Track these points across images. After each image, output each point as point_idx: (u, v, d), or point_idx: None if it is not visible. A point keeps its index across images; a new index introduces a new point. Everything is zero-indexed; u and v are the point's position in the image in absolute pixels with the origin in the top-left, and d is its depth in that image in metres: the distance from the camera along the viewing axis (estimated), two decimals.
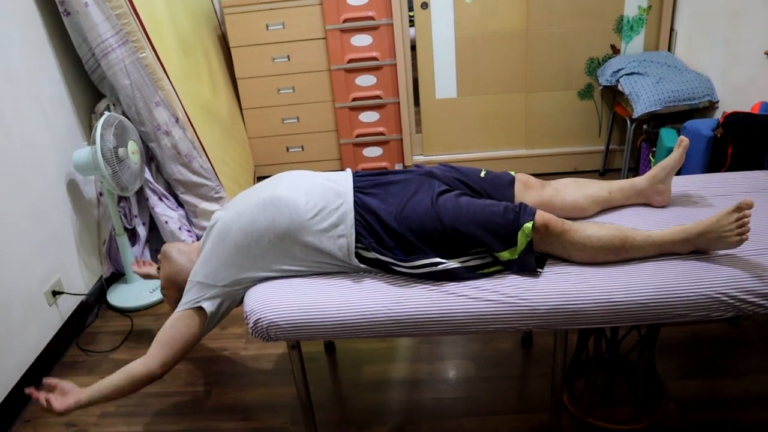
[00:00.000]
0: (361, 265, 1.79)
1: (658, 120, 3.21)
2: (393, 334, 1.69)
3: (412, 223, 1.74)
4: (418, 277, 1.75)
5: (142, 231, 3.06)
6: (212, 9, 3.81)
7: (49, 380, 1.77)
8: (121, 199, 2.97)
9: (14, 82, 2.46)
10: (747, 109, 2.67)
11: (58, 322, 2.61)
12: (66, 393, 1.76)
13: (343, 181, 1.87)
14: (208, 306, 1.83)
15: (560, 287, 1.65)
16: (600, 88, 3.57)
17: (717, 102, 3.06)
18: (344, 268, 1.82)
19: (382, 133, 3.83)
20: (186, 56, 3.17)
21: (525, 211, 1.71)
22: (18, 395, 2.30)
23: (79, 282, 2.80)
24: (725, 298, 1.59)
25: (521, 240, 1.69)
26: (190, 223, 3.12)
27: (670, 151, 2.38)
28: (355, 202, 1.80)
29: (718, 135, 2.60)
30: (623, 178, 2.52)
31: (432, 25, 3.55)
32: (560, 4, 3.45)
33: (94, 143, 2.56)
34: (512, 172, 1.98)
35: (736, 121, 2.54)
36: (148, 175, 2.97)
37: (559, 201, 1.93)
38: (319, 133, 3.89)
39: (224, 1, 3.55)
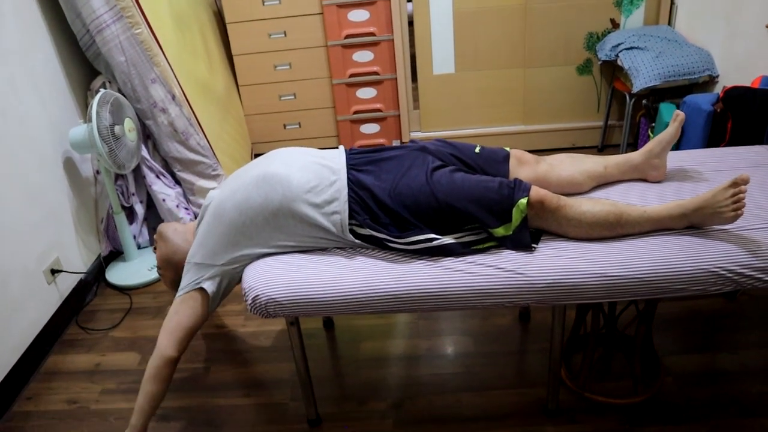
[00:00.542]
0: (356, 241, 1.79)
1: (657, 95, 3.19)
2: (391, 309, 1.70)
3: (407, 199, 1.73)
4: (413, 253, 1.75)
5: (139, 209, 3.06)
6: None
7: None
8: (118, 177, 2.96)
9: (7, 60, 2.44)
10: (747, 83, 2.65)
11: (57, 301, 2.61)
12: None
13: (337, 158, 1.86)
14: (209, 286, 1.83)
15: (558, 262, 1.65)
16: (599, 63, 3.54)
17: (717, 76, 3.04)
18: (341, 243, 1.82)
19: (379, 110, 3.81)
20: (181, 32, 3.14)
21: (520, 187, 1.71)
22: (19, 372, 2.31)
23: (78, 260, 2.80)
24: (723, 272, 1.59)
25: (516, 216, 1.68)
26: (188, 200, 3.11)
27: None
28: (349, 179, 1.79)
29: (718, 110, 2.59)
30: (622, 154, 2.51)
31: (430, 0, 3.51)
32: None
33: (90, 121, 2.55)
34: (507, 148, 1.97)
35: (736, 95, 2.52)
36: (145, 152, 2.95)
37: (555, 176, 1.93)
38: (316, 109, 3.87)
39: None
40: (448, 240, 1.73)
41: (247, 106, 3.86)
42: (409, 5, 3.56)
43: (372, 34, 3.60)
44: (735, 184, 1.60)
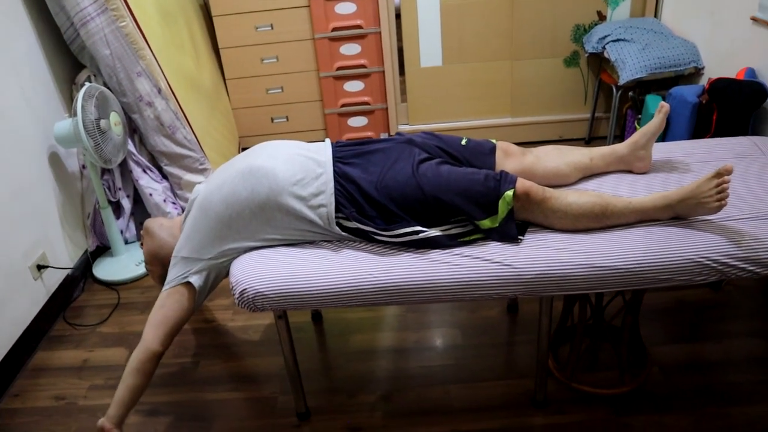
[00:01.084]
0: (343, 234, 1.79)
1: (643, 87, 3.20)
2: (379, 302, 1.70)
3: (393, 192, 1.73)
4: (400, 246, 1.76)
5: (126, 204, 3.04)
6: None
7: None
8: (104, 171, 2.94)
9: None
10: (732, 75, 2.67)
11: (44, 296, 2.60)
12: None
13: (323, 151, 1.86)
14: (196, 280, 1.83)
15: (545, 253, 1.66)
16: (586, 55, 3.55)
17: (702, 68, 3.06)
18: (328, 236, 1.82)
19: (367, 103, 3.80)
20: (167, 25, 3.12)
21: (506, 179, 1.71)
22: (5, 369, 2.30)
23: (64, 256, 2.79)
24: (708, 263, 1.60)
25: (502, 208, 1.69)
26: (175, 195, 3.10)
27: None
28: (335, 171, 1.79)
29: (703, 101, 2.60)
30: None
31: None
32: None
33: (75, 115, 2.53)
34: (493, 140, 1.97)
35: (721, 87, 2.54)
36: (131, 147, 2.94)
37: (541, 168, 1.93)
38: (303, 103, 3.86)
39: None
40: (434, 232, 1.73)
41: (235, 99, 3.84)
42: None
43: (359, 26, 3.59)
44: (719, 174, 1.61)
